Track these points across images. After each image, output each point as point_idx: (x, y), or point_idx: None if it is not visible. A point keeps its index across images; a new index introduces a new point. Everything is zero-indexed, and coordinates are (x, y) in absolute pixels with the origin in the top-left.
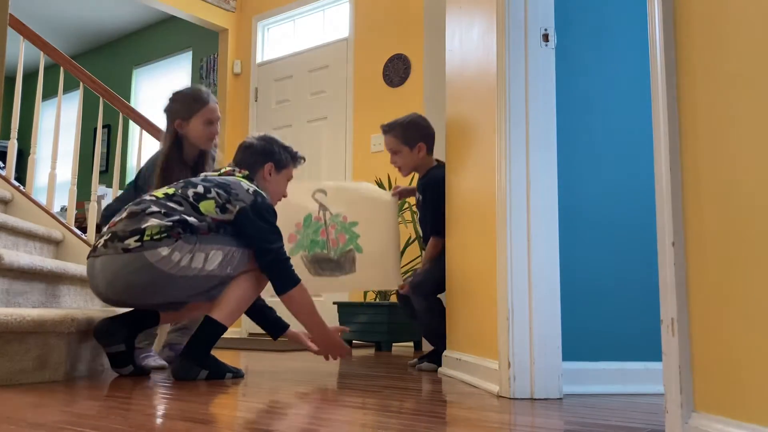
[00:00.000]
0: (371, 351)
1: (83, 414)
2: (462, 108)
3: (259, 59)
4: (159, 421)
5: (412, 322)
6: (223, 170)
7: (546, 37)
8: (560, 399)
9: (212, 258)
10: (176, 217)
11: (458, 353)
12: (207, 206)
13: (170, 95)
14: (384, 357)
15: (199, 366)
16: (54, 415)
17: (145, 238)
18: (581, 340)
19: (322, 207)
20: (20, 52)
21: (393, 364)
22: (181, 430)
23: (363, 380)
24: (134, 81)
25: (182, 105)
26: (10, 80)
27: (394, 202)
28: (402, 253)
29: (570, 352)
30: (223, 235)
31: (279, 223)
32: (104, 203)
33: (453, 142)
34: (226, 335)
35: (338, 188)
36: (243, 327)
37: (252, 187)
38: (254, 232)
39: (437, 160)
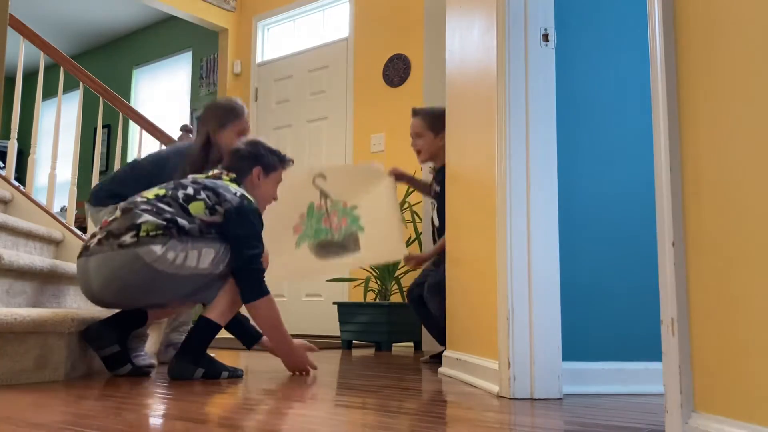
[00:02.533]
0: (371, 351)
1: (83, 414)
2: (462, 108)
3: (259, 59)
4: (159, 421)
5: (424, 323)
6: (210, 173)
7: (546, 37)
8: (560, 399)
9: (204, 256)
10: (168, 216)
11: (458, 353)
12: (196, 208)
13: (207, 105)
14: (384, 357)
15: (195, 365)
16: (54, 415)
17: (141, 233)
18: (581, 340)
19: (323, 194)
20: (20, 52)
21: (393, 364)
22: (180, 430)
23: (363, 380)
24: (134, 81)
25: (219, 114)
26: (10, 80)
27: (390, 179)
28: None
29: (570, 352)
30: (213, 235)
31: (283, 213)
32: None
33: (453, 142)
34: (226, 335)
35: (337, 171)
36: None
37: (239, 191)
38: (235, 234)
39: None
